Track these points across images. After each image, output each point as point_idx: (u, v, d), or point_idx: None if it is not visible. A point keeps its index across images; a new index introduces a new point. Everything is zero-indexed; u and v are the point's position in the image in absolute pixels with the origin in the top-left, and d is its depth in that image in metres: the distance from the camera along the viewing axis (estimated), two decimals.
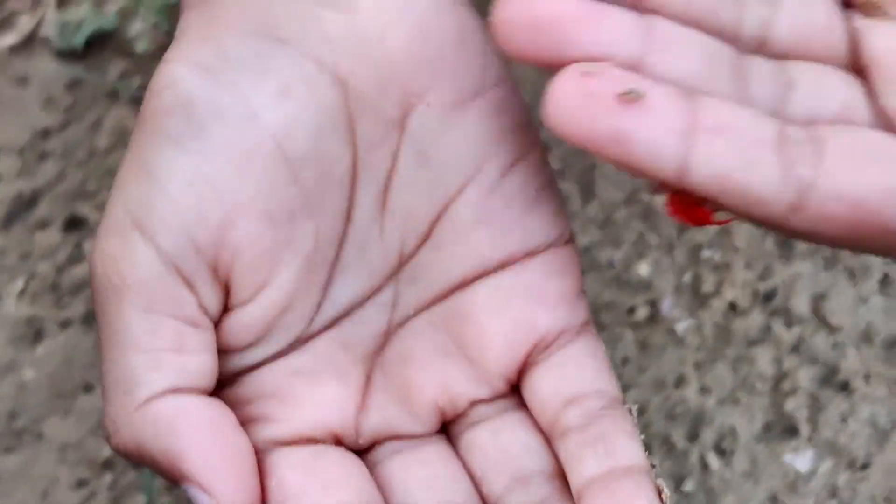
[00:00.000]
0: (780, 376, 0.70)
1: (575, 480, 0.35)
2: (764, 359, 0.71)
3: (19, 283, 0.80)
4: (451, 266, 0.39)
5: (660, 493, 0.35)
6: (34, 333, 0.78)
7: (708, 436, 0.68)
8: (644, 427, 0.67)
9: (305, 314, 0.38)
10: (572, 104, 0.32)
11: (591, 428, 0.36)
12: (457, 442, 0.39)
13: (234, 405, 0.37)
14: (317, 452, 0.37)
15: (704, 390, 0.70)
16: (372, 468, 0.38)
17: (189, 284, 0.35)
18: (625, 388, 0.69)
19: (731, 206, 0.34)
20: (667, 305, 0.73)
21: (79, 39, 0.88)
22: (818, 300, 0.72)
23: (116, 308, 0.35)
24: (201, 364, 0.36)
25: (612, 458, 0.35)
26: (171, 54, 0.35)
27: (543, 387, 0.38)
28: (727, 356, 0.71)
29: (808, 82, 0.37)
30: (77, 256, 0.81)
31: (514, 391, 0.40)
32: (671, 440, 0.68)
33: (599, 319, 0.73)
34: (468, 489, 0.38)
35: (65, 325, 0.78)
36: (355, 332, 0.39)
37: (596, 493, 0.34)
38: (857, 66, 0.37)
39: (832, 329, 0.71)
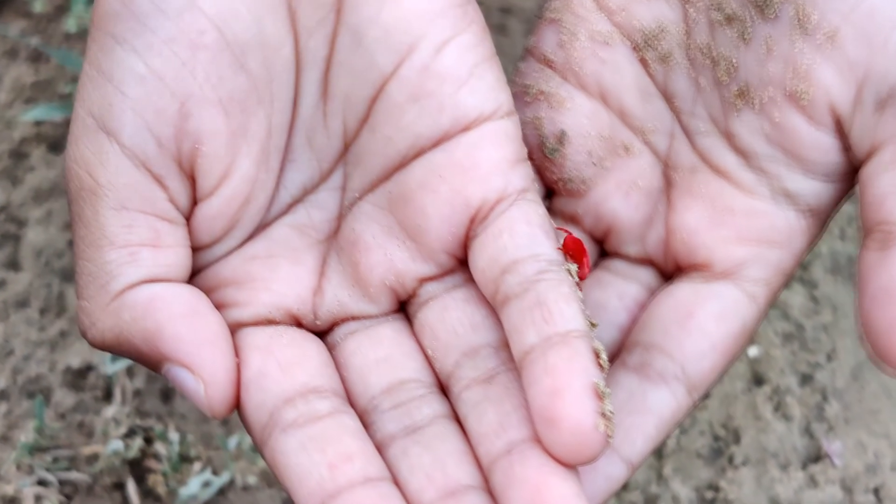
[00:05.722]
0: None
1: (516, 351, 0.34)
2: None
3: None
4: (388, 147, 0.38)
5: (597, 355, 0.33)
6: None
7: None
8: None
9: (263, 203, 0.38)
10: None
11: (528, 294, 0.34)
12: (413, 322, 0.39)
13: None
14: (275, 333, 0.37)
15: None
16: (332, 349, 0.38)
17: (157, 179, 0.35)
18: None
19: None
20: None
21: None
22: None
23: (92, 208, 0.34)
24: (176, 258, 0.36)
25: (549, 324, 0.33)
26: None
27: (483, 258, 0.37)
28: None
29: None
30: None
31: (465, 265, 0.39)
32: None
33: None
34: (420, 366, 0.37)
35: None
36: (310, 216, 0.39)
37: (534, 362, 0.33)
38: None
39: None
